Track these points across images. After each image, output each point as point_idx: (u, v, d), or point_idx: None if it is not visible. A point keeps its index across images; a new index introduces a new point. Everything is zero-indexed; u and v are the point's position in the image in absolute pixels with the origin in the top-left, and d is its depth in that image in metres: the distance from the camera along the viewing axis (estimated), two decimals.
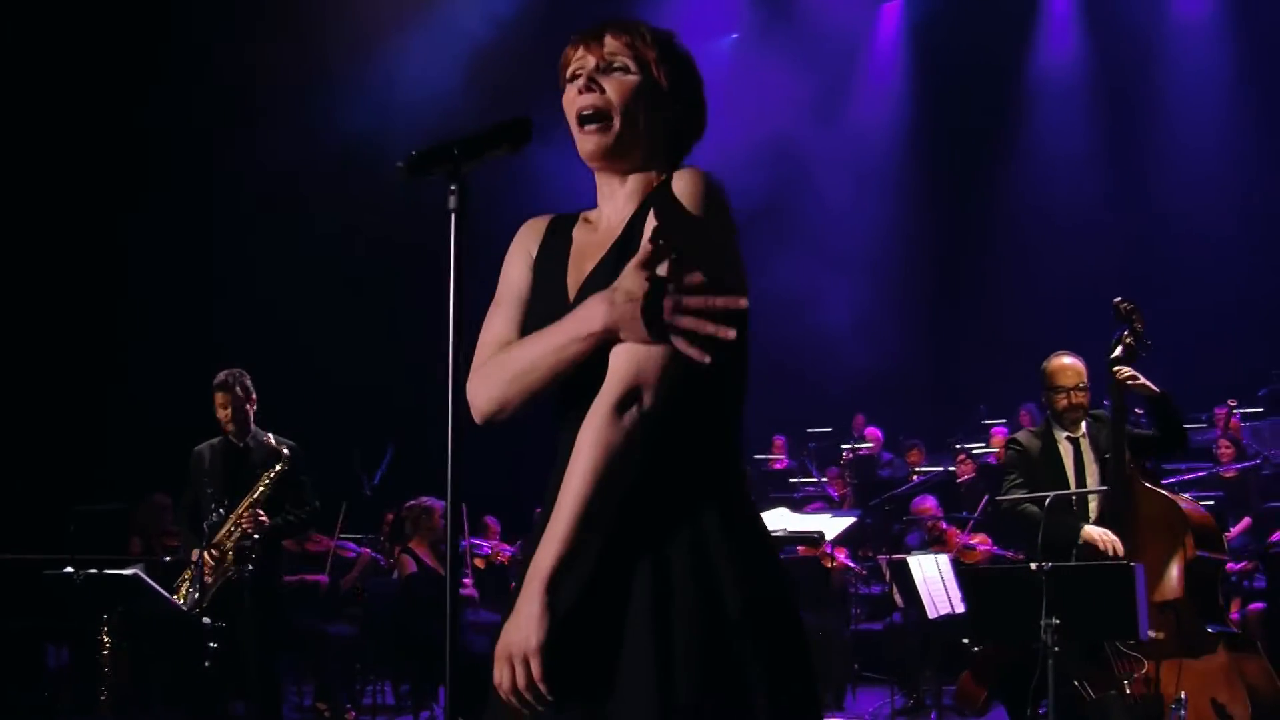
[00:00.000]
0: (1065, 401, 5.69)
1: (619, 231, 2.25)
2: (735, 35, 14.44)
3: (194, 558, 6.31)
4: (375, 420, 11.20)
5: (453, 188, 2.11)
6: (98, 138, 10.88)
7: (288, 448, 6.49)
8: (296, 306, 11.29)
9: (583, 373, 2.09)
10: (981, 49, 14.28)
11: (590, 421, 2.05)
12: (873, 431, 13.34)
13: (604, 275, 2.17)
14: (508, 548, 10.38)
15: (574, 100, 2.28)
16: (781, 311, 13.34)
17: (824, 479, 11.78)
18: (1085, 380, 5.69)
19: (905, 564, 7.44)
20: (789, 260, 13.03)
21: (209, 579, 6.24)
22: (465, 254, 2.10)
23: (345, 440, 10.31)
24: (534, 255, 2.36)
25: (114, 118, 11.03)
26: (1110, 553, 5.28)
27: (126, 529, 9.12)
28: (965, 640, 6.99)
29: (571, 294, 2.24)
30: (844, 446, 13.18)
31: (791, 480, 13.02)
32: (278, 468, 6.43)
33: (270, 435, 6.55)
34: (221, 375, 6.66)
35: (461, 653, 1.99)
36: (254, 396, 6.70)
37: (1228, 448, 10.03)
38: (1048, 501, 5.36)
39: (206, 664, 5.99)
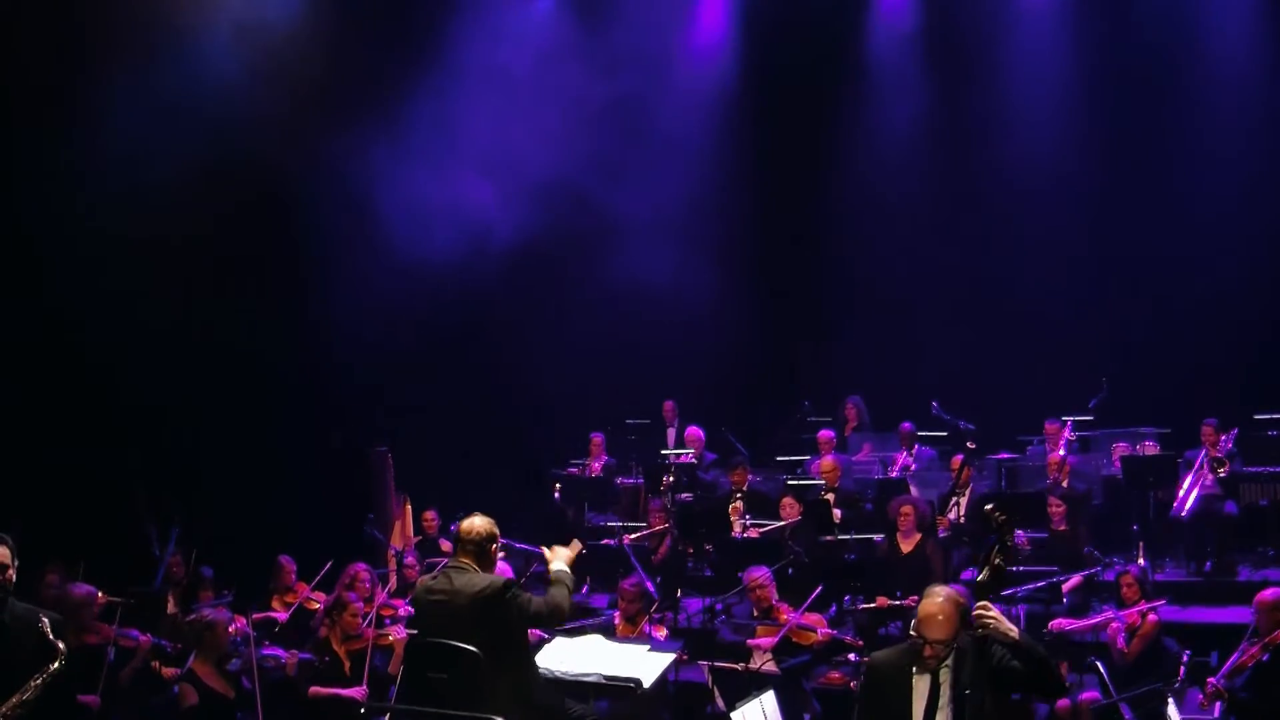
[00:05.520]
0: (923, 650, 5.03)
1: None
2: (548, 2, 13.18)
3: None
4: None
5: None
6: None
7: (63, 641, 4.94)
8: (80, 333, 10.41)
9: None
10: (814, 29, 13.43)
11: None
12: (694, 431, 12.68)
13: None
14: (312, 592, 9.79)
15: None
16: (618, 301, 12.73)
17: (643, 525, 11.04)
18: (952, 633, 4.96)
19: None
20: (627, 247, 12.64)
21: None
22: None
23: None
24: None
25: None
26: None
27: None
28: None
29: None
30: (664, 452, 12.43)
31: (609, 487, 12.36)
32: (53, 668, 4.89)
33: (45, 619, 4.93)
34: None
35: None
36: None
37: (1058, 506, 9.68)
38: None
39: None
